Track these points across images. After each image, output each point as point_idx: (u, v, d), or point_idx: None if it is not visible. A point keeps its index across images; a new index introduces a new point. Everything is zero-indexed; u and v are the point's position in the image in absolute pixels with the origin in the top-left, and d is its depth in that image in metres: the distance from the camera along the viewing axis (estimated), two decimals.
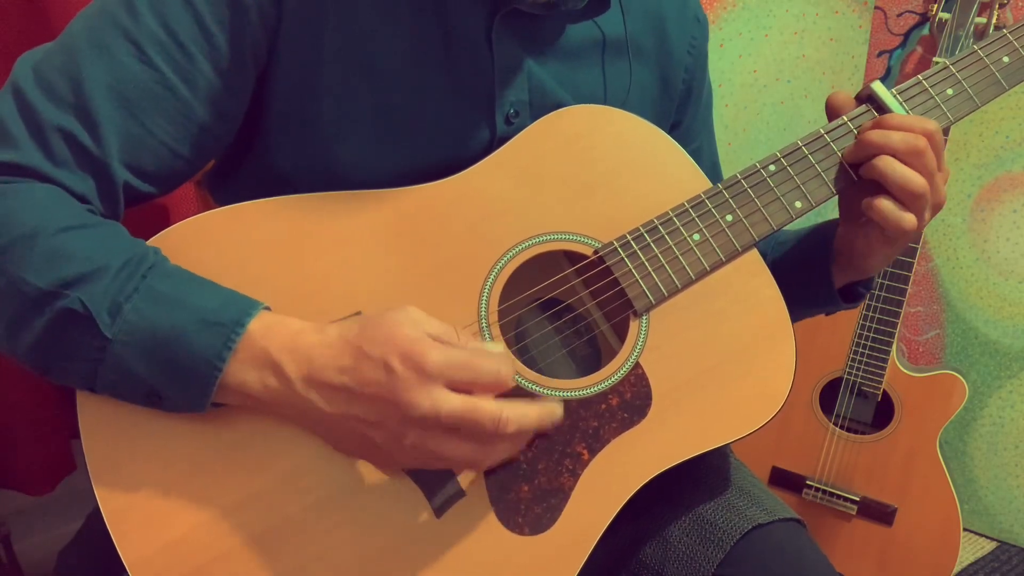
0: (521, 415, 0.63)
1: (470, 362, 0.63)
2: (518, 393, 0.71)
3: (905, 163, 0.77)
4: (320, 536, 0.68)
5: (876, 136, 0.78)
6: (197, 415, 0.66)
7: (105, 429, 0.66)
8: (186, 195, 1.21)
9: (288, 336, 0.64)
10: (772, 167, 0.81)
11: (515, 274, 0.76)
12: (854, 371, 1.71)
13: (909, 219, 0.78)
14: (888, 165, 0.77)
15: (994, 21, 1.59)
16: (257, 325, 0.64)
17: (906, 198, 0.78)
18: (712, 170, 1.02)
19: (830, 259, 0.88)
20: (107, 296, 0.63)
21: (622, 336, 0.77)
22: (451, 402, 0.62)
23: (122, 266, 0.64)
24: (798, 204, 0.81)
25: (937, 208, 0.81)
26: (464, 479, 0.71)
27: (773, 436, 1.79)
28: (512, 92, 0.79)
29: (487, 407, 0.62)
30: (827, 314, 0.96)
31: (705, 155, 1.00)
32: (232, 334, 0.63)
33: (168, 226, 0.69)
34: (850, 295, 0.92)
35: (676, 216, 0.79)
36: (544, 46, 0.81)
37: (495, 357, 0.64)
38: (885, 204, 0.78)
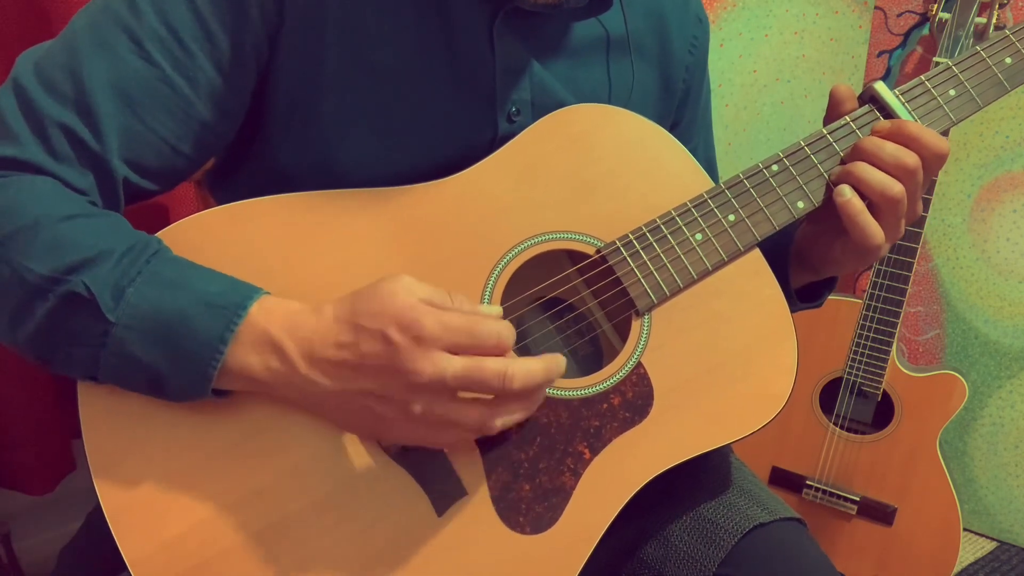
0: (526, 370, 0.63)
1: (469, 326, 0.62)
2: None
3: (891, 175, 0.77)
4: (321, 533, 0.68)
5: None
6: (199, 409, 0.66)
7: (107, 425, 0.66)
8: (186, 195, 1.21)
9: (286, 316, 0.65)
10: (775, 167, 0.81)
11: (517, 273, 0.75)
12: (854, 371, 1.71)
13: (878, 232, 0.77)
14: (864, 171, 0.77)
15: (994, 21, 1.59)
16: (258, 309, 0.64)
17: (885, 203, 0.77)
18: (707, 170, 1.02)
19: (788, 260, 0.88)
20: (110, 279, 0.63)
21: (624, 336, 0.77)
22: (454, 364, 0.61)
23: (126, 251, 0.64)
24: (800, 204, 0.81)
25: (911, 220, 0.81)
26: (465, 477, 0.71)
27: (773, 436, 1.79)
28: (514, 91, 0.79)
29: (491, 364, 0.62)
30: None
31: (700, 155, 1.00)
32: (235, 317, 0.64)
33: (168, 225, 0.69)
34: (811, 294, 0.92)
35: (679, 215, 0.78)
36: (547, 45, 0.81)
37: (493, 320, 0.64)
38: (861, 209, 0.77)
